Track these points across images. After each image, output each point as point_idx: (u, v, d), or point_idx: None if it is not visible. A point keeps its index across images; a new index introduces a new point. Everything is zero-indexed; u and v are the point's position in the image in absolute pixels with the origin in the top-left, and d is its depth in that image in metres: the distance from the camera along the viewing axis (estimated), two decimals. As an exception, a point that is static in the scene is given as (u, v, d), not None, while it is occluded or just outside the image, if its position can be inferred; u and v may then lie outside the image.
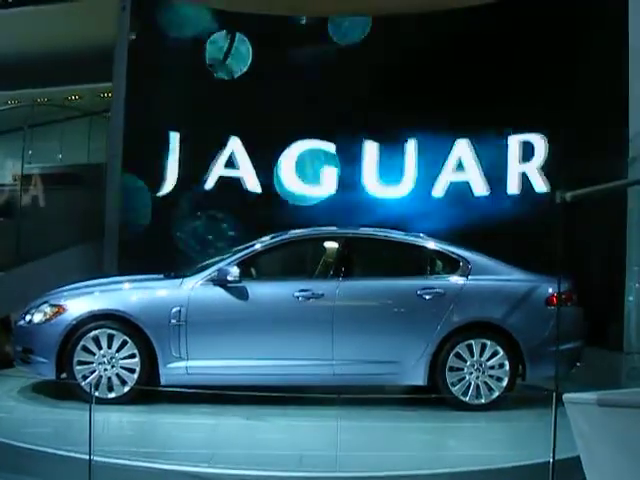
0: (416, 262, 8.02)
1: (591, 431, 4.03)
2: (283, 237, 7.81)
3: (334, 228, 8.17)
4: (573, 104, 9.97)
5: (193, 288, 7.39)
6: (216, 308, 7.37)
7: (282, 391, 6.91)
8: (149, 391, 7.08)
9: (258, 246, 7.72)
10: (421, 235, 8.11)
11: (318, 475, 5.40)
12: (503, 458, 5.78)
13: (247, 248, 7.73)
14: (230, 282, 7.33)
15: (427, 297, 7.45)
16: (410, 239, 7.97)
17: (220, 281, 7.36)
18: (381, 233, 7.99)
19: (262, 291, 7.49)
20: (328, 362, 7.30)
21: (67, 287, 7.73)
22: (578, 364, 7.65)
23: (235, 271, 7.33)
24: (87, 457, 5.22)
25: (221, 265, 7.46)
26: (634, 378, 8.14)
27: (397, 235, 8.00)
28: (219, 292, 7.37)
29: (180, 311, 7.25)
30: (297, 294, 7.37)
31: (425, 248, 7.90)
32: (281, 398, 6.61)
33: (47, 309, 7.32)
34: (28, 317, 7.41)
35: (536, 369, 7.42)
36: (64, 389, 7.26)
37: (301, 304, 7.36)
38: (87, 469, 5.17)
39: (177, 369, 7.22)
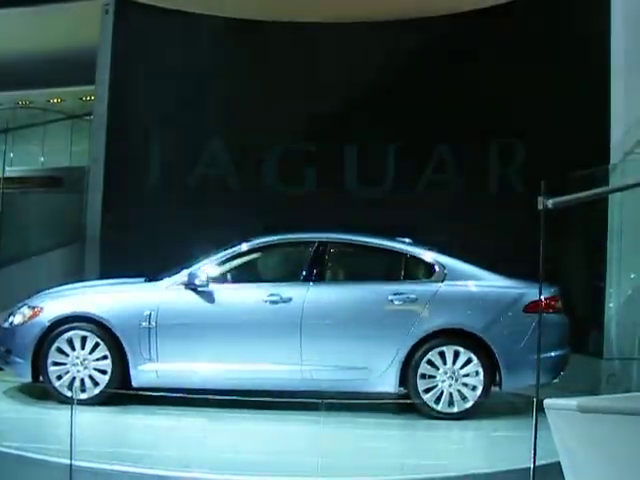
0: (389, 266, 7.93)
1: (572, 437, 4.03)
2: (257, 241, 7.75)
3: (307, 233, 7.94)
4: (554, 110, 10.00)
5: (164, 291, 7.42)
6: (185, 311, 7.38)
7: (260, 395, 6.89)
8: (122, 392, 7.08)
9: (232, 250, 7.68)
10: (404, 239, 7.94)
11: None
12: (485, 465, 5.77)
13: (221, 252, 7.67)
14: (199, 286, 7.36)
15: (398, 302, 7.35)
16: (384, 243, 7.78)
17: (190, 285, 7.37)
18: (354, 237, 7.86)
19: (231, 295, 7.50)
20: (297, 367, 7.24)
21: (50, 290, 7.80)
22: (562, 373, 7.48)
23: (203, 275, 7.36)
24: (65, 461, 5.22)
25: (191, 269, 7.46)
26: (613, 384, 8.14)
27: (370, 239, 7.82)
28: (189, 295, 7.38)
29: (150, 314, 7.27)
30: (266, 298, 7.34)
31: (399, 252, 7.73)
32: (256, 402, 6.61)
33: (25, 311, 7.45)
34: (11, 318, 7.53)
35: (514, 378, 7.25)
36: (42, 390, 7.29)
37: (270, 308, 7.32)
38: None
39: (147, 371, 7.24)
